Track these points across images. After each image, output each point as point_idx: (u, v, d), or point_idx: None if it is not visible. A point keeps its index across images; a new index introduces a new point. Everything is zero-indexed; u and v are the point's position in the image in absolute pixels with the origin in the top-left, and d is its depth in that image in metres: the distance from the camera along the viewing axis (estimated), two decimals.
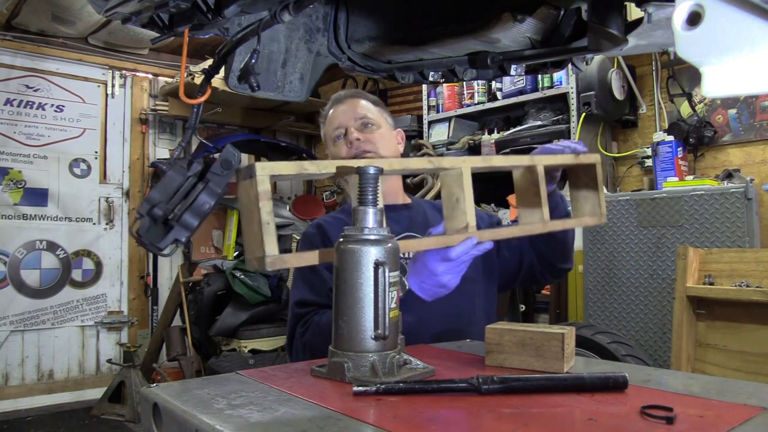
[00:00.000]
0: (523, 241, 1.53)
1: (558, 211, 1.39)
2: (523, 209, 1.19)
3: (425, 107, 4.16)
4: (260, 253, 0.86)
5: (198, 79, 4.03)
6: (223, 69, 1.05)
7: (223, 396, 0.77)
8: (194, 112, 1.01)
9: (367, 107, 1.53)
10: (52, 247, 4.69)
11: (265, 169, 0.86)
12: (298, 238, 4.06)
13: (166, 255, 1.01)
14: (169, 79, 5.16)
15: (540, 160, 1.15)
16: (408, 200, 1.60)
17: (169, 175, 0.97)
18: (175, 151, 1.15)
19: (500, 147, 3.55)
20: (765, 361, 1.80)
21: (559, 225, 1.21)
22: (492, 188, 3.54)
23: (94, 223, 4.89)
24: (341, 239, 0.90)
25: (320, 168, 0.92)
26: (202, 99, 0.96)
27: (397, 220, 1.47)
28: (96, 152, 4.94)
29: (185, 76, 4.41)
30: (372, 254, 0.86)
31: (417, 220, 1.52)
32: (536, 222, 1.15)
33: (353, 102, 1.54)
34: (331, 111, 1.57)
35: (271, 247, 0.86)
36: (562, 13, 1.10)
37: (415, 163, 0.97)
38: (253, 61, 0.88)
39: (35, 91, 4.67)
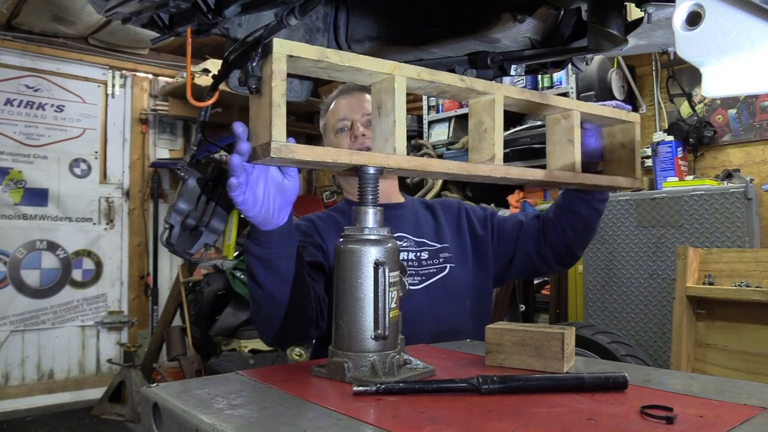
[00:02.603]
0: (525, 229, 1.49)
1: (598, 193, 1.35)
2: (554, 161, 1.15)
3: (425, 107, 4.16)
4: (266, 139, 0.79)
5: (199, 80, 4.03)
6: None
7: (223, 396, 0.78)
8: (202, 115, 1.02)
9: None
10: (52, 247, 4.69)
11: (284, 47, 0.78)
12: None
13: (196, 260, 1.04)
14: (170, 79, 5.16)
15: (577, 106, 1.13)
16: (401, 199, 1.58)
17: (190, 183, 1.01)
18: (186, 156, 1.18)
19: None
20: (765, 361, 1.80)
21: (591, 179, 1.16)
22: (494, 188, 3.55)
23: (94, 223, 4.89)
24: (341, 239, 0.90)
25: (343, 59, 0.82)
26: (211, 102, 0.96)
27: (386, 219, 1.45)
28: (96, 152, 4.94)
29: (185, 75, 4.41)
30: (372, 254, 0.86)
31: (408, 219, 1.50)
32: (568, 171, 1.11)
33: (361, 96, 1.50)
34: (336, 101, 1.53)
35: (279, 132, 0.79)
36: (562, 13, 1.10)
37: (446, 78, 0.94)
38: (253, 65, 0.89)
39: (35, 91, 4.67)
